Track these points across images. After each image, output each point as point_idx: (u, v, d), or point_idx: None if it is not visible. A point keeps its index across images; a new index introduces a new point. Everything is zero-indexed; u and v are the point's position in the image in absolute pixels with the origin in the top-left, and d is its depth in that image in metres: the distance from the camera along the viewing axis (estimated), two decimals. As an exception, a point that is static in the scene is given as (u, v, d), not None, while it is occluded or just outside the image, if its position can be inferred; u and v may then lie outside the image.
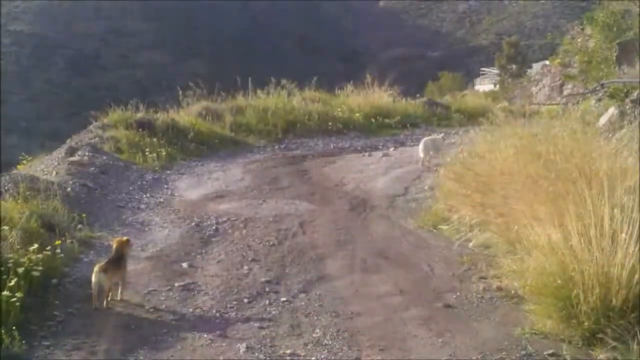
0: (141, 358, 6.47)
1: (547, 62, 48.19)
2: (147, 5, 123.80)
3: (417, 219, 11.15)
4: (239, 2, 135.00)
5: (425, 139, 16.40)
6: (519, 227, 7.51)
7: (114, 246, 8.15)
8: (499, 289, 7.74)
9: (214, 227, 11.21)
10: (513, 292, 7.53)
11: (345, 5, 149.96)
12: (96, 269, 7.63)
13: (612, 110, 12.67)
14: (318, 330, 6.94)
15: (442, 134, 17.32)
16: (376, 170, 16.05)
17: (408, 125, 24.61)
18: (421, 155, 15.88)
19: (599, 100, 15.14)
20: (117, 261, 7.87)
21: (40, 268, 7.84)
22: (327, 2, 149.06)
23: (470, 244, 9.29)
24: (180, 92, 22.40)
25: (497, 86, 63.99)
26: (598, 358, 5.93)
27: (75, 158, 14.88)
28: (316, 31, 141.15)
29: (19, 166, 16.42)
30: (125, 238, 8.47)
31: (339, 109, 24.31)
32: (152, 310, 7.66)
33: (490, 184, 9.19)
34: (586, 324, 6.10)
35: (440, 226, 10.44)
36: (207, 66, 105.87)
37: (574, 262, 6.24)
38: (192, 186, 14.88)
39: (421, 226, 10.75)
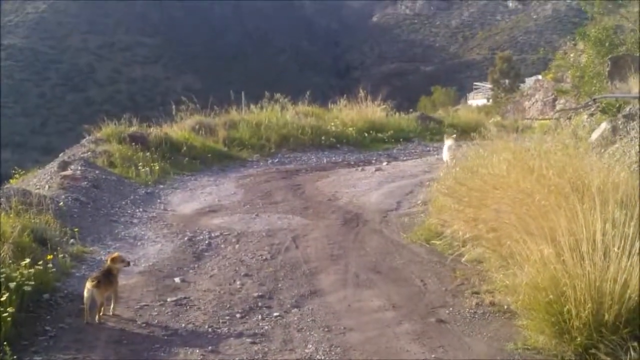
0: (133, 373, 6.46)
1: (540, 77, 48.55)
2: (141, 20, 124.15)
3: (410, 233, 11.13)
4: (233, 17, 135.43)
5: (449, 143, 16.81)
6: (511, 242, 7.50)
7: (108, 263, 8.10)
8: (492, 304, 7.73)
9: (206, 242, 11.19)
10: (506, 307, 7.53)
11: (339, 20, 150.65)
12: (88, 283, 7.60)
13: (605, 125, 12.69)
14: (310, 346, 6.92)
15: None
16: (369, 184, 16.05)
17: (401, 140, 24.76)
18: (447, 158, 16.27)
19: (592, 115, 15.18)
20: (109, 276, 7.84)
21: (32, 283, 7.80)
22: (320, 17, 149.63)
23: (463, 259, 9.28)
24: (174, 107, 22.41)
25: (490, 101, 64.28)
26: (591, 373, 5.94)
27: (68, 172, 14.84)
28: (310, 46, 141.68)
29: (11, 180, 16.37)
30: (116, 254, 8.42)
31: (332, 124, 24.39)
32: (144, 325, 7.63)
33: (483, 199, 9.19)
34: (579, 339, 6.10)
35: (433, 241, 10.42)
36: (201, 81, 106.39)
37: (566, 277, 6.24)
38: (185, 201, 14.87)
39: (414, 241, 10.73)
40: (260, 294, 8.57)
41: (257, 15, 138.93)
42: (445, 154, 16.43)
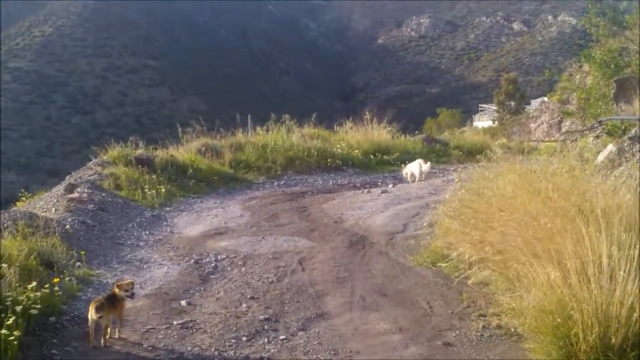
0: (139, 397, 6.44)
1: (546, 99, 48.50)
2: (146, 43, 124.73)
3: (416, 256, 11.10)
4: (238, 39, 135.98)
5: (419, 160, 20.22)
6: (517, 265, 7.49)
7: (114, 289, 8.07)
8: (499, 327, 7.71)
9: (212, 265, 11.19)
10: (512, 330, 7.50)
11: (343, 42, 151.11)
12: (91, 307, 7.60)
13: (610, 148, 12.67)
14: (317, 369, 6.90)
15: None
16: (375, 206, 16.02)
17: (407, 162, 24.68)
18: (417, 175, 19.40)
19: (597, 137, 15.15)
20: (113, 299, 7.83)
21: (39, 306, 7.80)
22: (325, 39, 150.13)
23: (470, 282, 9.26)
24: (180, 129, 22.50)
25: (496, 122, 64.16)
26: (598, 397, 5.90)
27: (75, 195, 14.88)
28: (314, 68, 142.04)
29: (18, 203, 16.43)
30: (125, 282, 8.38)
31: (338, 146, 24.44)
32: (150, 348, 7.62)
33: (489, 221, 9.17)
34: (586, 362, 6.08)
35: (439, 263, 10.39)
36: (207, 103, 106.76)
37: (573, 300, 6.22)
38: (191, 223, 14.88)
39: (420, 263, 10.69)
40: (266, 316, 8.56)
41: (261, 37, 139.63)
42: (418, 169, 19.51)
